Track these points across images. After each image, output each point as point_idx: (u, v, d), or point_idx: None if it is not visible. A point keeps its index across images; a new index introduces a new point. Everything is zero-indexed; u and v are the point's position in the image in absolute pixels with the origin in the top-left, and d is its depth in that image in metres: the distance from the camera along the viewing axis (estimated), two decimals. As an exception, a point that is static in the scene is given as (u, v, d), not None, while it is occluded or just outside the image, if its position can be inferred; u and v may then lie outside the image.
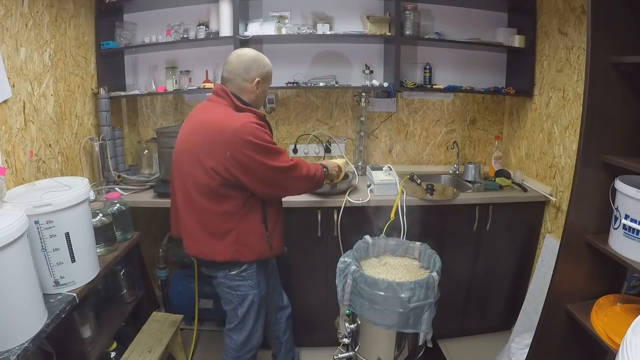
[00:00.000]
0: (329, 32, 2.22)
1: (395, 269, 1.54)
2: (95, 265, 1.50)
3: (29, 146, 1.65)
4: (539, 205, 2.17)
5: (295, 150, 2.53)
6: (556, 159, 2.09)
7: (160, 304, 2.41)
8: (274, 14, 2.28)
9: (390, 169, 2.14)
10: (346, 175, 1.99)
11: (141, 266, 2.07)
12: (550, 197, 2.08)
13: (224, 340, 1.68)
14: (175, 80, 2.32)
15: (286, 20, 2.27)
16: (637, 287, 1.47)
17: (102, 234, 1.64)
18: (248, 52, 1.50)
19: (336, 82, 2.35)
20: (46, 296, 1.30)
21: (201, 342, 2.31)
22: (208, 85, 2.28)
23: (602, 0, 1.23)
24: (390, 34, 2.21)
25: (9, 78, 1.53)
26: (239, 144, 1.34)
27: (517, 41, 2.27)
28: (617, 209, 1.30)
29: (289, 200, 1.81)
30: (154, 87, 2.35)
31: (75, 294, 1.36)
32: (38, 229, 1.27)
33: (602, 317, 1.32)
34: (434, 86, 2.40)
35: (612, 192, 1.32)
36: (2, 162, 1.47)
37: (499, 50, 2.42)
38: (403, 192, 1.98)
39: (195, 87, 2.31)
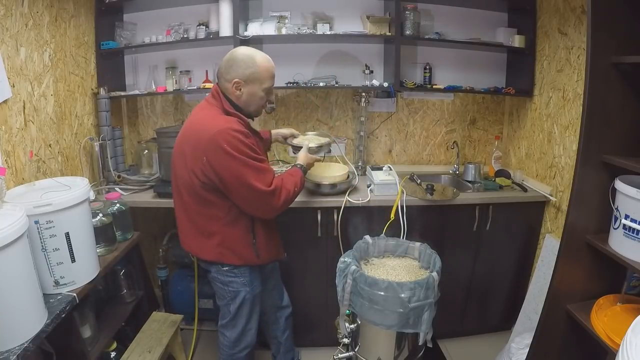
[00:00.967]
0: (329, 32, 2.22)
1: (395, 269, 1.54)
2: (95, 265, 1.50)
3: (29, 146, 1.65)
4: (539, 205, 2.17)
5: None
6: (556, 159, 2.09)
7: (160, 304, 2.42)
8: (274, 14, 2.28)
9: (390, 169, 2.14)
10: (321, 149, 1.80)
11: (141, 266, 2.07)
12: (550, 197, 2.08)
13: (217, 338, 1.68)
14: (175, 80, 2.32)
15: (286, 20, 2.27)
16: (637, 287, 1.47)
17: (102, 234, 1.64)
18: (239, 50, 1.44)
19: (336, 82, 2.35)
20: (46, 296, 1.30)
21: (201, 342, 2.31)
22: (208, 85, 2.28)
23: (602, 0, 1.23)
24: (390, 34, 2.21)
25: (9, 78, 1.53)
26: (213, 150, 1.32)
27: (517, 41, 2.27)
28: (617, 209, 1.30)
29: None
30: (154, 87, 2.35)
31: (75, 294, 1.36)
32: (38, 229, 1.27)
33: (602, 317, 1.32)
34: (434, 86, 2.40)
35: (612, 192, 1.32)
36: (2, 162, 1.47)
37: (499, 50, 2.42)
38: (403, 192, 1.98)
39: (195, 87, 2.31)
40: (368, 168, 2.27)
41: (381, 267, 1.57)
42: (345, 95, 2.52)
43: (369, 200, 1.98)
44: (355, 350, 1.48)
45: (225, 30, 2.16)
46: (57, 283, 1.35)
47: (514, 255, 2.23)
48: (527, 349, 1.64)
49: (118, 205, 1.81)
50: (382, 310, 1.31)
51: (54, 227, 1.30)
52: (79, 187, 1.41)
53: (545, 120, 2.19)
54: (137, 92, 2.36)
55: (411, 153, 2.64)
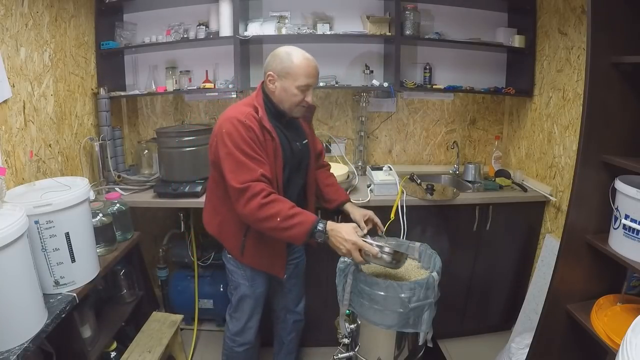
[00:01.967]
0: (329, 32, 2.22)
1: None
2: (95, 265, 1.50)
3: (29, 146, 1.65)
4: (539, 205, 2.17)
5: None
6: (556, 159, 2.09)
7: (160, 304, 2.42)
8: (274, 14, 2.28)
9: (390, 169, 2.14)
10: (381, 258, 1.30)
11: (141, 266, 2.07)
12: (550, 197, 2.08)
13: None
14: (175, 80, 2.32)
15: (286, 20, 2.28)
16: (637, 287, 1.47)
17: (102, 234, 1.64)
18: (283, 47, 1.46)
19: (336, 82, 2.35)
20: (46, 296, 1.30)
21: (201, 342, 2.31)
22: (208, 85, 2.28)
23: (602, 0, 1.23)
24: (390, 34, 2.21)
25: (9, 78, 1.53)
26: (219, 133, 1.38)
27: (517, 41, 2.27)
28: (617, 209, 1.30)
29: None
30: (154, 87, 2.35)
31: (75, 294, 1.36)
32: (38, 229, 1.27)
33: (602, 317, 1.32)
34: (434, 86, 2.40)
35: (612, 192, 1.32)
36: (2, 162, 1.47)
37: (499, 50, 2.42)
38: (403, 192, 1.98)
39: (195, 87, 2.31)
40: (368, 168, 2.27)
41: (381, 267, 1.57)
42: (345, 95, 2.52)
43: (369, 200, 1.98)
44: (355, 350, 1.48)
45: (225, 30, 2.16)
46: (57, 283, 1.35)
47: (514, 255, 2.23)
48: (527, 349, 1.64)
49: (118, 205, 1.81)
50: (382, 310, 1.31)
51: (54, 227, 1.30)
52: (79, 187, 1.41)
53: (545, 120, 2.19)
54: (137, 92, 2.36)
55: (411, 153, 2.64)
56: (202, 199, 2.01)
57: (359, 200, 1.96)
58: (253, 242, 1.50)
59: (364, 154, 2.51)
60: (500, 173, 2.36)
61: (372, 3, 2.35)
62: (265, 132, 1.40)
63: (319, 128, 2.53)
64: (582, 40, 1.86)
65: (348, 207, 1.67)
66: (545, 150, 2.19)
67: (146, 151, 2.39)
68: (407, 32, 2.22)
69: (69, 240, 1.34)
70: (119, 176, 2.18)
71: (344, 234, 1.28)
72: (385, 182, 2.03)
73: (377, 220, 1.61)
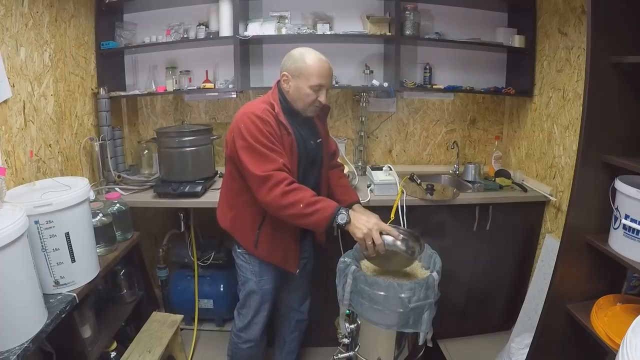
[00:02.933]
0: (329, 32, 2.22)
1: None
2: (95, 265, 1.50)
3: (29, 146, 1.65)
4: (539, 205, 2.17)
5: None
6: (556, 159, 2.09)
7: (160, 304, 2.42)
8: (274, 14, 2.28)
9: (390, 169, 2.14)
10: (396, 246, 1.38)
11: (141, 266, 2.07)
12: (550, 197, 2.08)
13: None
14: (175, 80, 2.32)
15: (286, 20, 2.27)
16: (637, 287, 1.47)
17: (102, 234, 1.64)
18: (299, 48, 1.50)
19: (336, 82, 2.34)
20: (46, 296, 1.30)
21: (201, 342, 2.31)
22: (208, 85, 2.28)
23: (602, 0, 1.23)
24: (390, 34, 2.21)
25: (9, 78, 1.53)
26: (236, 129, 1.42)
27: (517, 41, 2.27)
28: (617, 209, 1.30)
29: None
30: (154, 87, 2.35)
31: (75, 294, 1.36)
32: (38, 229, 1.27)
33: (602, 317, 1.31)
34: (434, 86, 2.40)
35: (612, 192, 1.32)
36: (2, 162, 1.47)
37: (499, 50, 2.42)
38: (403, 192, 1.98)
39: (195, 87, 2.31)
40: (368, 168, 2.27)
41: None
42: (345, 95, 2.52)
43: (369, 201, 1.98)
44: (355, 350, 1.48)
45: (225, 30, 2.16)
46: (57, 283, 1.35)
47: (514, 255, 2.23)
48: (527, 349, 1.64)
49: (118, 205, 1.81)
50: (382, 310, 1.31)
51: (54, 227, 1.30)
52: (79, 187, 1.41)
53: (545, 120, 2.19)
54: (137, 92, 2.36)
55: (411, 153, 2.64)
56: (202, 199, 2.03)
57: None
58: (267, 236, 1.53)
59: (364, 154, 2.51)
60: (500, 173, 2.35)
61: (372, 3, 2.35)
62: (282, 127, 1.45)
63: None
64: (582, 40, 1.86)
65: (356, 208, 1.67)
66: (545, 150, 2.19)
67: (146, 151, 2.39)
68: (407, 32, 2.22)
69: (69, 240, 1.34)
70: (119, 176, 2.18)
71: (367, 216, 1.38)
72: (385, 182, 2.03)
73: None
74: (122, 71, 2.43)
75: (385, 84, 2.27)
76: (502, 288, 2.29)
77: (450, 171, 2.52)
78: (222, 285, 2.32)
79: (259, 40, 2.27)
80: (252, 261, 1.60)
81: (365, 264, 1.53)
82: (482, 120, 2.62)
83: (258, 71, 2.40)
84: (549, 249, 2.02)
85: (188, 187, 2.02)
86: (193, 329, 2.28)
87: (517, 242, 2.21)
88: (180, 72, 2.38)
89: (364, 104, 2.42)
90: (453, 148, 2.51)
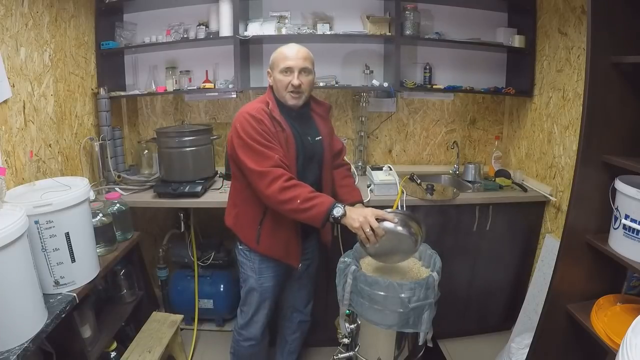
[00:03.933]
0: (329, 32, 2.22)
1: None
2: (95, 265, 1.50)
3: (29, 146, 1.65)
4: (539, 205, 2.17)
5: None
6: (556, 159, 2.09)
7: (160, 304, 2.42)
8: (274, 14, 2.28)
9: (390, 169, 2.14)
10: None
11: (141, 266, 2.07)
12: (550, 197, 2.08)
13: None
14: (175, 80, 2.32)
15: (286, 20, 2.28)
16: (637, 287, 1.47)
17: (102, 234, 1.64)
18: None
19: (336, 82, 2.35)
20: (46, 296, 1.30)
21: (201, 342, 2.31)
22: (208, 85, 2.28)
23: (602, 0, 1.23)
24: (390, 34, 2.21)
25: (9, 78, 1.53)
26: (233, 128, 1.47)
27: (517, 41, 2.27)
28: (617, 209, 1.30)
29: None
30: (154, 87, 2.35)
31: (75, 294, 1.36)
32: (38, 229, 1.27)
33: (602, 317, 1.32)
34: (434, 86, 2.40)
35: (612, 192, 1.32)
36: (2, 162, 1.47)
37: (499, 50, 2.42)
38: (403, 192, 1.98)
39: (195, 87, 2.31)
40: (368, 168, 2.27)
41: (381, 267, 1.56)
42: (345, 95, 2.52)
43: (369, 200, 1.98)
44: (355, 350, 1.48)
45: (225, 30, 2.16)
46: (57, 283, 1.35)
47: (514, 255, 2.23)
48: (527, 349, 1.64)
49: (118, 205, 1.81)
50: (382, 310, 1.31)
51: (54, 227, 1.30)
52: (79, 187, 1.41)
53: (545, 120, 2.19)
54: (137, 92, 2.36)
55: (411, 153, 2.64)
56: (202, 199, 2.03)
57: (359, 200, 1.96)
58: (268, 231, 1.55)
59: (364, 154, 2.51)
60: (500, 173, 2.35)
61: (372, 3, 2.35)
62: (276, 123, 1.47)
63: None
64: (582, 40, 1.86)
65: (358, 207, 1.67)
66: (545, 150, 2.19)
67: (146, 151, 2.39)
68: (407, 32, 2.22)
69: (69, 240, 1.34)
70: (119, 176, 2.18)
71: (362, 209, 1.41)
72: (385, 182, 2.03)
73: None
74: (122, 71, 2.43)
75: (385, 84, 2.27)
76: (502, 288, 2.29)
77: (450, 171, 2.52)
78: (222, 285, 2.32)
79: (259, 40, 2.27)
80: (253, 258, 1.61)
81: (366, 262, 1.53)
82: (482, 120, 2.62)
83: (258, 71, 2.39)
84: (549, 249, 2.02)
85: (188, 187, 2.02)
86: (193, 329, 2.28)
87: (517, 242, 2.21)
88: (180, 72, 2.38)
89: (364, 104, 2.42)
90: (453, 148, 2.51)
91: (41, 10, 1.74)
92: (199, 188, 2.02)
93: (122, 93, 2.31)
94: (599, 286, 1.45)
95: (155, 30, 2.30)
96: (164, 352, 1.80)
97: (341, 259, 1.45)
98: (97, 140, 2.11)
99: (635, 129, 1.35)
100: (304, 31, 2.22)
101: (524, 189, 2.17)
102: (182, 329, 2.12)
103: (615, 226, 1.30)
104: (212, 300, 2.32)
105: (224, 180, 2.25)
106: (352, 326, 1.44)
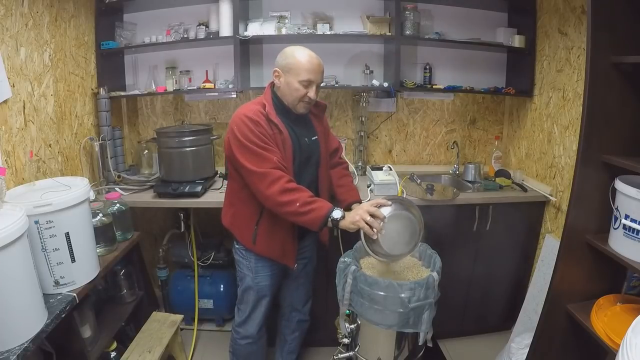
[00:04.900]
0: (329, 32, 2.22)
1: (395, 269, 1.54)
2: (95, 265, 1.50)
3: (29, 146, 1.65)
4: (539, 205, 2.17)
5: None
6: (556, 159, 2.09)
7: (160, 304, 2.42)
8: (274, 14, 2.28)
9: (390, 169, 2.14)
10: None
11: (141, 266, 2.07)
12: (550, 197, 2.08)
13: None
14: (175, 80, 2.32)
15: (286, 20, 2.27)
16: (637, 287, 1.47)
17: (102, 234, 1.64)
18: (292, 46, 1.52)
19: (336, 82, 2.35)
20: (46, 296, 1.30)
21: (201, 342, 2.31)
22: (208, 85, 2.28)
23: (602, 0, 1.23)
24: (390, 34, 2.21)
25: (9, 78, 1.53)
26: (230, 130, 1.46)
27: (517, 41, 2.27)
28: (617, 209, 1.30)
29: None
30: (154, 87, 2.35)
31: (75, 294, 1.36)
32: (38, 229, 1.27)
33: (602, 317, 1.32)
34: (434, 86, 2.40)
35: (612, 192, 1.32)
36: (2, 162, 1.47)
37: (499, 50, 2.42)
38: (403, 192, 1.98)
39: (195, 87, 2.31)
40: (368, 168, 2.27)
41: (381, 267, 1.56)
42: (345, 95, 2.52)
43: (368, 200, 1.97)
44: (355, 350, 1.48)
45: (225, 30, 2.16)
46: (57, 283, 1.35)
47: (514, 255, 2.23)
48: (527, 349, 1.64)
49: (118, 205, 1.81)
50: (382, 310, 1.31)
51: (54, 227, 1.30)
52: (79, 187, 1.41)
53: (545, 120, 2.19)
54: (137, 92, 2.36)
55: (411, 153, 2.64)
56: (202, 198, 2.03)
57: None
58: (264, 232, 1.55)
59: (364, 154, 2.51)
60: (500, 173, 2.35)
61: (372, 3, 2.35)
62: (273, 125, 1.47)
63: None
64: (582, 40, 1.86)
65: (355, 207, 1.66)
66: (545, 150, 2.19)
67: (146, 151, 2.39)
68: (407, 32, 2.22)
69: (69, 240, 1.34)
70: (119, 176, 2.18)
71: (356, 208, 1.42)
72: (385, 182, 2.03)
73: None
74: (122, 71, 2.43)
75: (385, 84, 2.27)
76: (502, 288, 2.29)
77: (450, 171, 2.52)
78: (222, 285, 2.32)
79: (259, 40, 2.27)
80: (249, 257, 1.62)
81: (366, 262, 1.53)
82: (482, 120, 2.62)
83: (258, 71, 2.40)
84: (549, 249, 2.02)
85: (188, 187, 2.02)
86: (193, 329, 2.28)
87: (517, 242, 2.21)
88: (180, 72, 2.38)
89: (364, 104, 2.42)
90: (453, 148, 2.51)
91: (41, 10, 1.74)
92: (199, 188, 2.02)
93: (122, 93, 2.31)
94: (599, 286, 1.45)
95: (155, 30, 2.30)
96: (164, 352, 1.81)
97: (341, 259, 1.45)
98: (97, 140, 2.11)
99: (635, 129, 1.35)
100: (304, 31, 2.22)
101: (524, 189, 2.17)
102: (182, 329, 2.12)
103: (615, 226, 1.30)
104: (212, 300, 2.32)
105: (224, 180, 2.25)
106: (352, 326, 1.44)
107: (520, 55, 2.33)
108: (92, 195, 1.56)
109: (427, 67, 2.41)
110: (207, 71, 2.35)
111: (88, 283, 1.44)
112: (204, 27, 2.23)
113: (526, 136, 2.38)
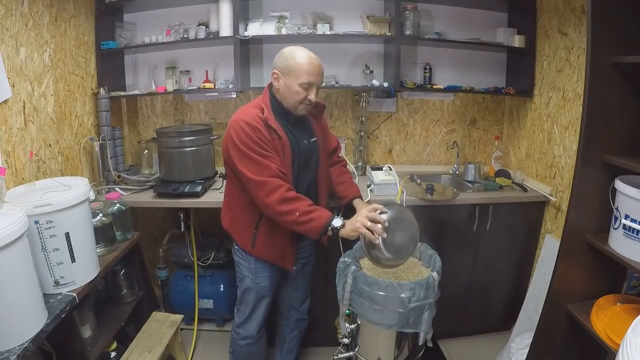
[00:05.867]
0: (329, 32, 2.22)
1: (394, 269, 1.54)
2: (95, 265, 1.50)
3: (29, 146, 1.65)
4: (539, 205, 2.17)
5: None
6: (556, 159, 2.09)
7: (160, 304, 2.42)
8: (274, 14, 2.28)
9: (390, 169, 2.14)
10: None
11: (141, 266, 2.07)
12: (550, 197, 2.08)
13: None
14: (175, 80, 2.32)
15: (286, 20, 2.27)
16: (637, 287, 1.47)
17: (102, 234, 1.64)
18: (290, 46, 1.49)
19: (336, 82, 2.35)
20: (46, 296, 1.30)
21: (201, 342, 2.31)
22: (208, 85, 2.28)
23: (602, 0, 1.23)
24: (390, 34, 2.21)
25: (9, 78, 1.53)
26: (228, 136, 1.45)
27: (517, 41, 2.27)
28: (617, 209, 1.30)
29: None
30: (154, 87, 2.35)
31: (75, 294, 1.36)
32: (38, 229, 1.27)
33: (602, 317, 1.32)
34: (434, 86, 2.40)
35: (612, 192, 1.32)
36: (2, 162, 1.47)
37: (499, 50, 2.42)
38: (403, 192, 1.98)
39: (195, 87, 2.31)
40: (368, 168, 2.27)
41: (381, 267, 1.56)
42: (345, 95, 2.52)
43: (369, 200, 1.97)
44: (355, 350, 1.48)
45: (225, 30, 2.16)
46: (57, 283, 1.35)
47: (514, 255, 2.23)
48: (527, 349, 1.64)
49: (118, 205, 1.81)
50: (382, 310, 1.31)
51: (54, 227, 1.30)
52: (79, 187, 1.41)
53: (545, 120, 2.19)
54: (137, 92, 2.36)
55: (411, 153, 2.64)
56: (202, 199, 2.03)
57: (359, 200, 1.96)
58: (263, 236, 1.55)
59: (364, 154, 2.51)
60: (500, 173, 2.35)
61: (372, 3, 2.35)
62: (272, 131, 1.45)
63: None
64: (582, 40, 1.86)
65: (356, 203, 1.69)
66: (545, 150, 2.19)
67: (146, 151, 2.39)
68: (407, 32, 2.22)
69: (69, 240, 1.34)
70: (119, 176, 2.18)
71: (354, 216, 1.41)
72: (385, 182, 2.03)
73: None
74: (122, 71, 2.43)
75: (385, 84, 2.27)
76: (502, 288, 2.29)
77: (450, 171, 2.52)
78: (222, 285, 2.32)
79: (259, 40, 2.27)
80: (248, 258, 1.62)
81: (366, 262, 1.53)
82: (482, 120, 2.62)
83: (258, 71, 2.40)
84: (549, 249, 2.02)
85: (188, 187, 2.02)
86: (193, 329, 2.28)
87: (517, 242, 2.21)
88: (180, 72, 2.38)
89: (364, 104, 2.42)
90: (453, 148, 2.51)
91: (41, 10, 1.74)
92: (199, 188, 2.02)
93: (122, 93, 2.31)
94: (599, 286, 1.45)
95: (155, 30, 2.30)
96: (164, 352, 1.80)
97: (341, 259, 1.45)
98: (97, 140, 2.11)
99: (635, 129, 1.35)
100: (304, 31, 2.22)
101: (524, 189, 2.17)
102: (182, 329, 2.12)
103: (615, 226, 1.30)
104: (212, 300, 2.32)
105: (224, 180, 2.24)
106: (352, 326, 1.44)
107: (520, 55, 2.33)
108: (92, 195, 1.56)
109: (427, 67, 2.41)
110: (207, 71, 2.35)
111: (88, 283, 1.44)
112: (204, 27, 2.23)
113: (526, 136, 2.38)
